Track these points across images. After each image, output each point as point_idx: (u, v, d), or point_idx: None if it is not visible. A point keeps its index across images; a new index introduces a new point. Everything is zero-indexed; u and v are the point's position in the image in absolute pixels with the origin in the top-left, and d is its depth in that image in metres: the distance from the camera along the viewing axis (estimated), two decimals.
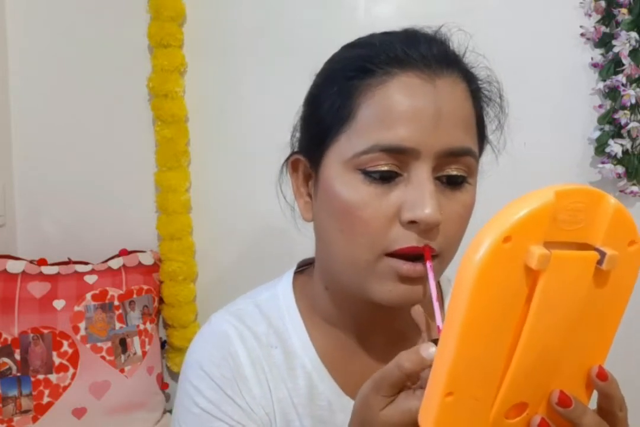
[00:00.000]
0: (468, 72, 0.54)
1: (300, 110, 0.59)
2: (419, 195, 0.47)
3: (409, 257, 0.49)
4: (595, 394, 0.41)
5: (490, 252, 0.32)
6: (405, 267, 0.49)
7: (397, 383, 0.41)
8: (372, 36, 0.55)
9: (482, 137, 0.56)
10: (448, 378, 0.35)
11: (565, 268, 0.34)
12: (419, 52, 0.50)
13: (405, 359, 0.41)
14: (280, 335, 0.59)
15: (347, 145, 0.50)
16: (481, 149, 0.56)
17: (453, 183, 0.50)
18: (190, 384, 0.58)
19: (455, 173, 0.50)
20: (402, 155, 0.48)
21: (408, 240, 0.48)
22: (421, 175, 0.48)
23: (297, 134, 0.60)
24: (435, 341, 0.40)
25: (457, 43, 0.56)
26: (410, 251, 0.48)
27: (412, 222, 0.47)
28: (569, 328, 0.36)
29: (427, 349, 0.41)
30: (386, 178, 0.49)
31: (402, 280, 0.49)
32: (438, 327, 0.45)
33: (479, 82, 0.55)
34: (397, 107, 0.48)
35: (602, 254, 0.34)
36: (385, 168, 0.48)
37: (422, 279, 0.50)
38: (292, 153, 0.59)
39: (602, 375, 0.39)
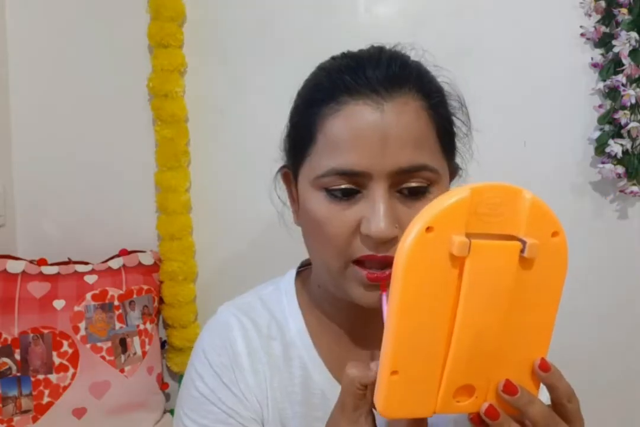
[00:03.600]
0: (423, 87, 0.56)
1: (287, 125, 0.64)
2: (373, 212, 0.52)
3: (373, 264, 0.53)
4: None
5: (415, 241, 0.37)
6: (369, 276, 0.53)
7: (353, 395, 0.44)
8: (333, 59, 0.60)
9: (451, 147, 0.60)
10: (391, 357, 0.39)
11: (488, 255, 0.38)
12: (365, 77, 0.54)
13: (351, 365, 0.45)
14: (280, 327, 0.64)
15: (309, 169, 0.56)
16: (450, 155, 0.60)
17: (415, 193, 0.54)
18: (194, 369, 0.63)
19: (415, 185, 0.54)
20: (356, 177, 0.53)
21: (367, 249, 0.53)
22: (377, 193, 0.52)
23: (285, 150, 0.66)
24: None
25: (414, 55, 0.59)
26: (370, 258, 0.53)
27: (369, 236, 0.52)
28: (503, 314, 0.39)
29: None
30: (347, 194, 0.54)
31: (368, 288, 0.54)
32: None
33: (437, 95, 0.58)
34: (347, 135, 0.53)
35: (524, 243, 0.38)
36: (344, 186, 0.53)
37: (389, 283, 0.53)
38: (282, 166, 0.65)
39: (544, 366, 0.41)
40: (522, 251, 0.38)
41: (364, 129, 0.52)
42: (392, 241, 0.52)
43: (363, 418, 0.45)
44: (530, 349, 0.41)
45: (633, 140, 1.16)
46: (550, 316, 0.41)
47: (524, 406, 0.40)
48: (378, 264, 0.53)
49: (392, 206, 0.52)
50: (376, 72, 0.54)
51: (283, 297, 0.66)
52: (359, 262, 0.54)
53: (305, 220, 0.58)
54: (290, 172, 0.62)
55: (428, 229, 0.36)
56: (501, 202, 0.38)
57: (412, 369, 0.39)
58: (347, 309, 0.62)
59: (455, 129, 0.60)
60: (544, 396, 0.42)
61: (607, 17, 1.15)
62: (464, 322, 0.38)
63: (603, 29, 1.15)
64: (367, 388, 0.44)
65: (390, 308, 0.39)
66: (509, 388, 0.40)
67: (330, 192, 0.54)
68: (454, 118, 0.60)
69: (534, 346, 0.41)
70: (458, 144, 0.62)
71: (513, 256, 0.38)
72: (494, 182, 0.38)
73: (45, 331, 1.11)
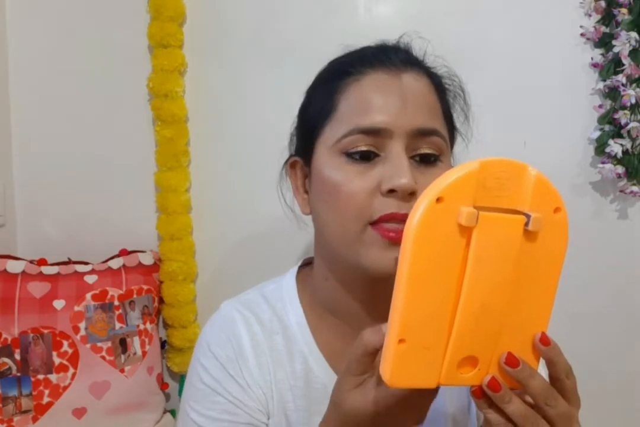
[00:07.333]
0: (429, 70, 0.64)
1: (295, 121, 0.67)
2: (395, 167, 0.55)
3: (391, 225, 0.55)
4: None
5: (425, 211, 0.38)
6: (391, 235, 0.54)
7: (362, 360, 0.45)
8: (350, 50, 0.66)
9: (451, 128, 0.64)
10: (399, 326, 0.40)
11: (495, 227, 0.39)
12: (387, 55, 0.60)
13: (366, 331, 0.45)
14: (282, 322, 0.66)
15: (330, 134, 0.59)
16: (452, 139, 0.65)
17: (426, 161, 0.58)
18: (199, 362, 0.64)
19: (427, 151, 0.58)
20: (378, 136, 0.56)
21: (389, 207, 0.55)
22: (396, 151, 0.56)
23: (294, 140, 0.69)
24: None
25: (418, 48, 0.65)
26: (392, 216, 0.55)
27: (391, 191, 0.55)
28: (507, 286, 0.40)
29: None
30: (366, 157, 0.57)
31: (385, 250, 0.55)
32: None
33: (442, 78, 0.65)
34: (370, 97, 0.58)
35: (528, 217, 0.40)
36: (364, 148, 0.57)
37: None
38: (290, 156, 0.68)
39: (545, 340, 0.42)
40: (526, 224, 0.40)
41: (386, 91, 0.58)
42: (412, 197, 0.55)
43: (369, 381, 0.45)
44: (531, 323, 0.42)
45: (633, 140, 1.15)
46: (551, 291, 0.42)
47: (525, 379, 0.41)
48: (397, 224, 0.55)
49: (411, 166, 0.55)
50: (397, 55, 0.61)
51: (285, 293, 0.68)
52: (377, 225, 0.55)
53: (321, 191, 0.59)
54: (301, 158, 0.65)
55: (438, 199, 0.38)
56: (508, 177, 0.40)
57: (419, 338, 0.40)
58: (353, 302, 0.63)
59: (455, 115, 0.65)
60: (542, 373, 0.43)
61: (607, 17, 1.15)
62: (470, 292, 0.40)
63: (603, 29, 1.15)
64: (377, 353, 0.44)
65: (399, 276, 0.40)
66: (511, 360, 0.41)
67: (350, 155, 0.57)
68: (454, 106, 0.66)
69: (535, 320, 0.42)
70: (459, 127, 0.66)
71: (518, 228, 0.40)
72: (502, 157, 0.40)
73: (45, 331, 1.11)
